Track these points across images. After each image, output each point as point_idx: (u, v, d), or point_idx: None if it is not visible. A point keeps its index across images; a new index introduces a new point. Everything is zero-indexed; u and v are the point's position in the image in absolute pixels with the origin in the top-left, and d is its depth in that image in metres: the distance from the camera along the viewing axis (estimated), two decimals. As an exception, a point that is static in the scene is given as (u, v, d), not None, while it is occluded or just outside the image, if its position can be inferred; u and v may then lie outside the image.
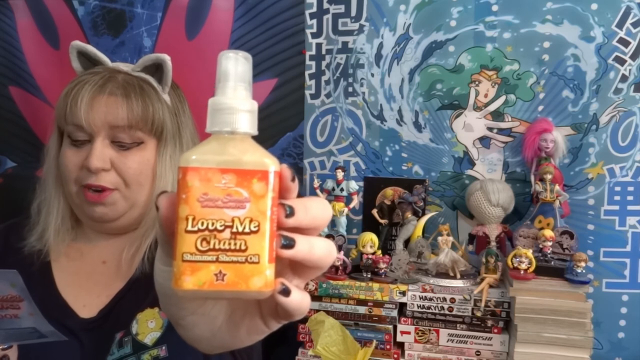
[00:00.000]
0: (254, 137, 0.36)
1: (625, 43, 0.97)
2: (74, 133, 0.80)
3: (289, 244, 0.33)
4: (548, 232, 0.90)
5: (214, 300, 0.40)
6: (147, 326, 0.76)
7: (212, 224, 0.32)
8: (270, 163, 0.33)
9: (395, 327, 0.92)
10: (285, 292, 0.34)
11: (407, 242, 1.03)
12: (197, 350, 0.45)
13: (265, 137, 1.12)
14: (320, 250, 0.35)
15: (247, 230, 0.32)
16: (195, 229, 0.32)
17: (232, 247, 0.32)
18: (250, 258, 0.32)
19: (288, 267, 0.37)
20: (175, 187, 0.34)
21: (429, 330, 0.90)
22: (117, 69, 0.83)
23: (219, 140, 0.34)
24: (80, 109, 0.78)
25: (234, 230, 0.32)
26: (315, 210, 0.35)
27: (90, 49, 0.85)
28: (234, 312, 0.41)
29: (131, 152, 0.81)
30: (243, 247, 0.32)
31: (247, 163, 0.33)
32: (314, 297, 0.93)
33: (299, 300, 0.34)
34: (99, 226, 0.84)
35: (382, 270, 0.93)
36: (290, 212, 0.34)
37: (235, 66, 0.35)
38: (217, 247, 0.32)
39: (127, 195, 0.81)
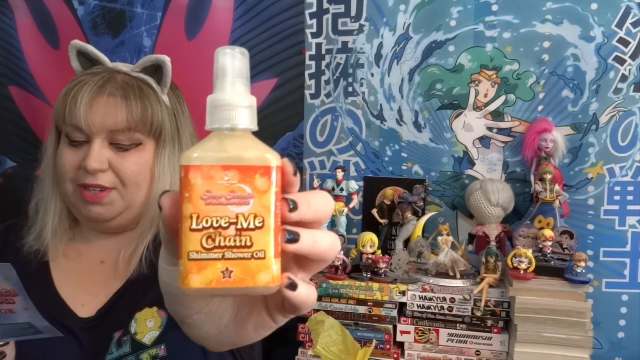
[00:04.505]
0: (254, 133, 0.36)
1: (625, 43, 0.97)
2: (72, 134, 0.80)
3: (294, 239, 0.33)
4: (548, 232, 0.90)
5: (221, 298, 0.40)
6: (146, 326, 0.76)
7: (217, 221, 0.32)
8: (272, 158, 0.33)
9: (395, 327, 0.92)
10: (292, 286, 0.34)
11: (407, 242, 1.03)
12: (197, 349, 0.45)
13: (265, 137, 1.11)
14: (325, 244, 0.35)
15: (252, 226, 0.32)
16: (200, 227, 0.32)
17: (238, 244, 0.32)
18: (257, 254, 0.32)
19: (293, 261, 0.37)
20: (174, 188, 0.33)
21: (429, 330, 0.90)
22: (116, 70, 0.83)
23: (219, 137, 0.34)
24: (79, 110, 0.77)
25: (239, 227, 0.32)
26: (318, 204, 0.35)
27: (90, 48, 0.85)
28: (240, 309, 0.41)
29: (129, 154, 0.81)
30: (249, 244, 0.32)
31: (249, 159, 0.33)
32: (314, 297, 0.93)
33: (306, 294, 0.35)
34: (96, 226, 0.84)
35: (382, 270, 0.93)
36: (294, 207, 0.34)
37: (233, 62, 0.35)
38: (222, 244, 0.32)
39: (124, 195, 0.81)
